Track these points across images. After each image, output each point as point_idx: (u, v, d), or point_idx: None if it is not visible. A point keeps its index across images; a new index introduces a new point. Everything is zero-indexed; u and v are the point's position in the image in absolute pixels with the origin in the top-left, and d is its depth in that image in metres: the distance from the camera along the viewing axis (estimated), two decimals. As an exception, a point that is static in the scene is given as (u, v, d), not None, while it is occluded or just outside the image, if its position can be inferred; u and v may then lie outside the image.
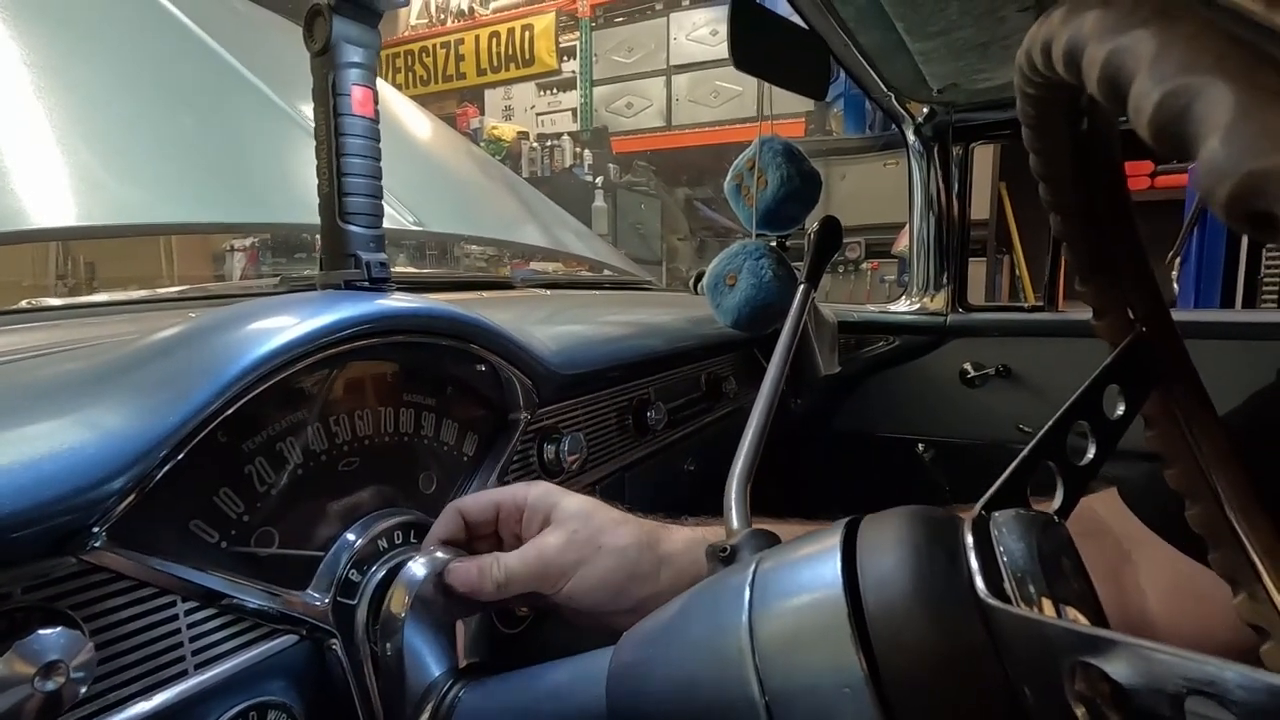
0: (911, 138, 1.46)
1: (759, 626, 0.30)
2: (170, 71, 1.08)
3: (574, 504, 0.47)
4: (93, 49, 1.01)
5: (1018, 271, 3.18)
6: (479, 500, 0.49)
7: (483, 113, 5.25)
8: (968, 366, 1.47)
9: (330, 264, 0.47)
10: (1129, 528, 0.48)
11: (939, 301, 1.51)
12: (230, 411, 0.37)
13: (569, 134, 4.85)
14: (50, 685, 0.28)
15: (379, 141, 0.48)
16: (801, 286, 0.50)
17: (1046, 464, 0.33)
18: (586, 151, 4.68)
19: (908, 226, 1.57)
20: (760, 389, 0.48)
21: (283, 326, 0.39)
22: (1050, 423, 0.33)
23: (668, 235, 4.71)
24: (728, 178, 0.84)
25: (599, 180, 4.38)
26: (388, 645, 0.46)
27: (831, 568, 0.29)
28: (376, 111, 0.48)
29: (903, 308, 1.54)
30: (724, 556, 0.39)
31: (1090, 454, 0.34)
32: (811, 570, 0.30)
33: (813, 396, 1.36)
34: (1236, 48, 0.15)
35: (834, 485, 1.57)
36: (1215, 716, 0.18)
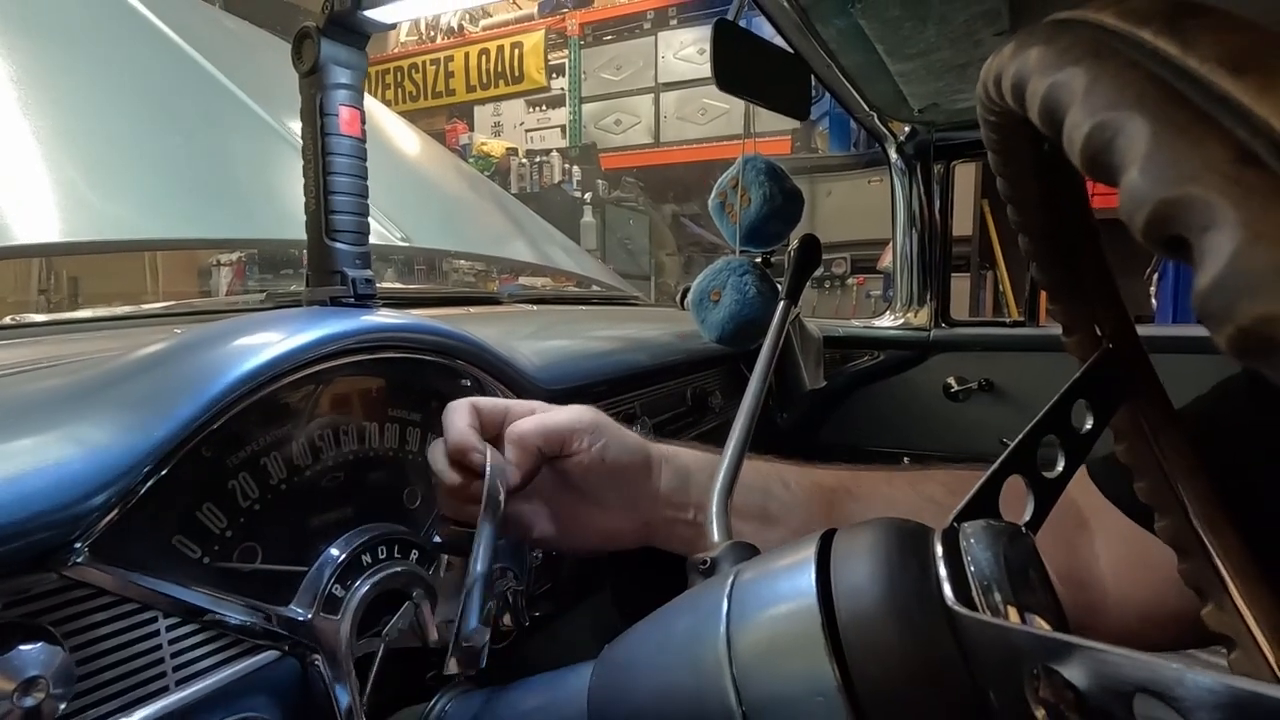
0: (894, 156, 1.49)
1: (736, 637, 0.31)
2: (158, 87, 1.09)
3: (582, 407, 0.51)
4: (80, 64, 1.02)
5: (1001, 287, 3.22)
6: (493, 400, 0.51)
7: (472, 129, 5.28)
8: (951, 381, 1.48)
9: (316, 280, 0.48)
10: (1089, 498, 0.50)
11: (923, 317, 1.54)
12: (215, 427, 0.37)
13: (558, 150, 4.88)
14: (29, 701, 0.28)
15: (365, 160, 0.49)
16: (782, 303, 0.51)
17: (1017, 478, 0.34)
18: (575, 168, 4.71)
19: (891, 243, 1.59)
20: (741, 403, 0.49)
21: (267, 343, 0.39)
22: (1020, 436, 0.34)
23: (656, 251, 4.74)
24: (712, 195, 0.86)
25: (587, 196, 4.40)
26: (371, 660, 0.46)
27: (806, 578, 0.30)
28: (363, 131, 0.48)
29: (887, 323, 1.56)
30: (704, 569, 0.40)
31: (1060, 467, 0.35)
32: (787, 581, 0.31)
33: (798, 410, 1.38)
34: (1155, 85, 0.17)
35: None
36: (1161, 716, 0.18)
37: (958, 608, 0.26)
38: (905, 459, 1.53)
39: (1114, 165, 0.17)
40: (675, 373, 0.95)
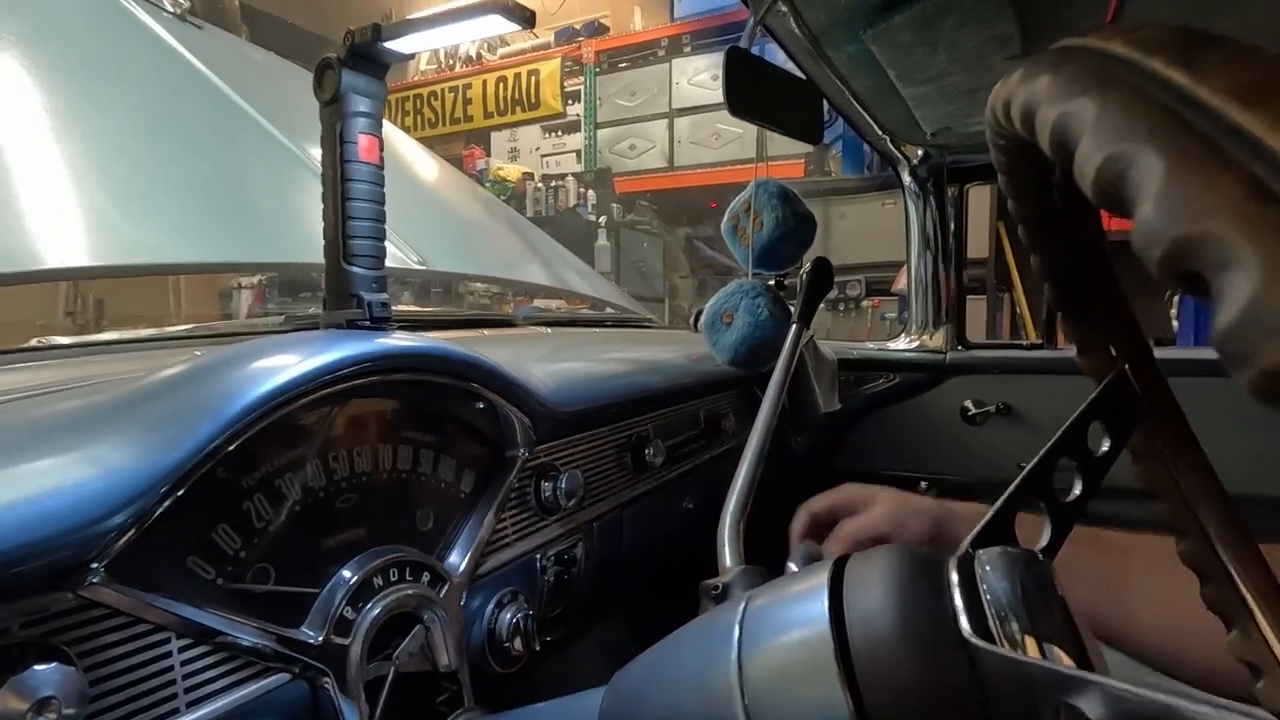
0: (907, 179, 1.49)
1: (748, 664, 0.30)
2: (186, 116, 1.12)
3: (889, 492, 0.63)
4: (112, 95, 1.05)
5: (1018, 309, 3.19)
6: (819, 499, 0.63)
7: (489, 154, 5.36)
8: (968, 404, 1.47)
9: (334, 304, 0.48)
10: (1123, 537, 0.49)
11: (938, 339, 1.52)
12: (231, 448, 0.38)
13: (573, 175, 4.94)
14: (42, 721, 0.29)
15: (383, 187, 0.50)
16: (794, 326, 0.51)
17: (1035, 502, 0.34)
18: (590, 192, 4.76)
19: (906, 265, 1.59)
20: (753, 427, 0.49)
21: (284, 365, 0.40)
22: (1036, 460, 0.33)
23: (669, 274, 4.76)
24: (725, 219, 0.86)
25: (602, 220, 4.44)
26: (382, 683, 0.46)
27: (819, 605, 0.30)
28: (381, 158, 0.49)
29: (902, 345, 1.55)
30: (716, 594, 0.39)
31: (1077, 490, 0.35)
32: (800, 608, 0.31)
33: (813, 434, 1.37)
34: (1166, 117, 0.17)
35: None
36: None
37: (974, 640, 0.25)
38: (921, 483, 1.51)
39: (1127, 199, 0.17)
40: (688, 395, 0.95)
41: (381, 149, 0.49)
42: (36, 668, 0.29)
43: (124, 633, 0.34)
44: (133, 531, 0.33)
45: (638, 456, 0.79)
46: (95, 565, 0.32)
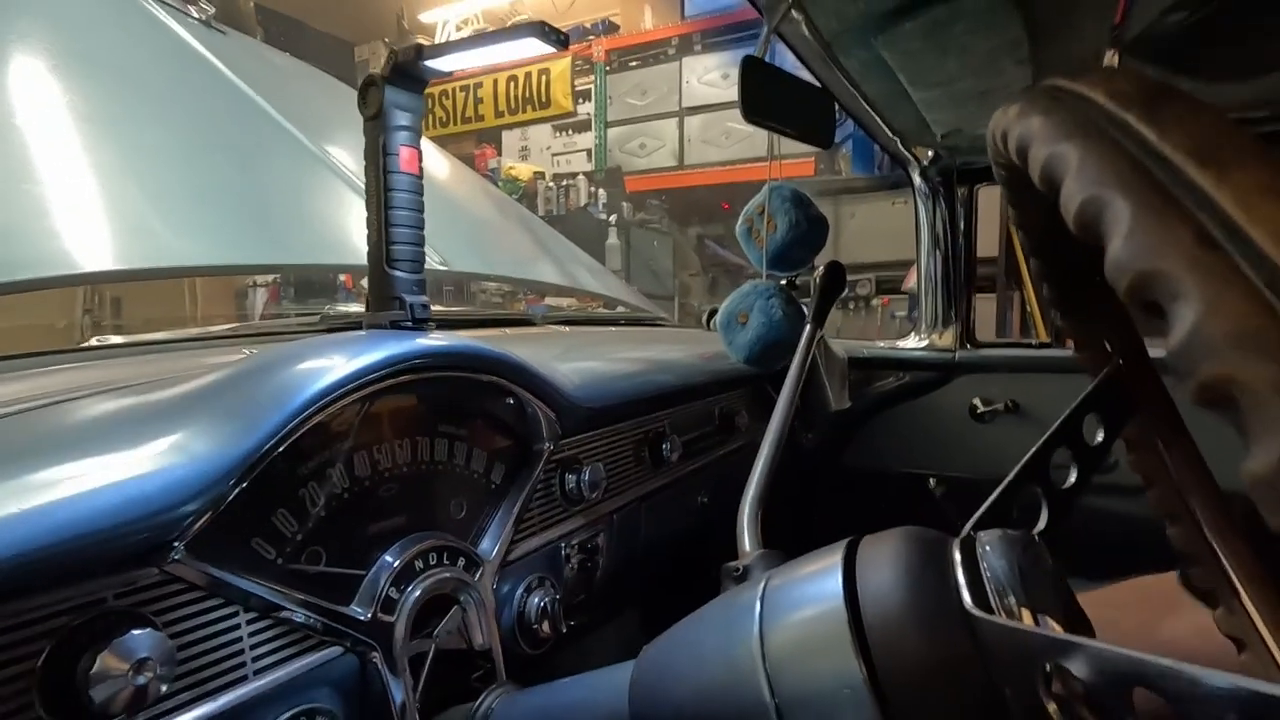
0: (918, 180, 1.51)
1: (769, 638, 0.33)
2: (210, 119, 1.15)
3: None
4: (139, 99, 1.09)
5: (1028, 308, 3.19)
6: None
7: (500, 153, 5.40)
8: (977, 402, 1.49)
9: (377, 305, 0.52)
10: None
11: (948, 338, 1.54)
12: (292, 439, 0.41)
13: (584, 174, 4.97)
14: (141, 680, 0.32)
15: (422, 195, 0.53)
16: (808, 327, 0.54)
17: (1033, 489, 0.37)
18: (601, 191, 4.79)
19: (916, 265, 1.61)
20: (770, 422, 0.52)
21: (340, 363, 0.43)
22: (1034, 449, 0.36)
23: (679, 272, 4.78)
24: (739, 222, 0.89)
25: (613, 218, 4.47)
26: (423, 660, 0.49)
27: (834, 583, 0.33)
28: (421, 169, 0.53)
29: (912, 344, 1.57)
30: (737, 575, 0.43)
31: (1073, 478, 0.38)
32: (816, 586, 0.34)
33: (824, 431, 1.39)
34: (1134, 169, 0.20)
35: (846, 519, 1.59)
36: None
37: (975, 611, 0.28)
38: (930, 480, 1.53)
39: (1101, 234, 0.20)
40: (703, 393, 0.98)
41: (421, 160, 0.53)
42: (134, 632, 0.32)
43: (201, 605, 0.38)
44: (209, 514, 0.37)
45: (655, 451, 0.83)
46: (177, 544, 0.36)
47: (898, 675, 0.29)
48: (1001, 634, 0.27)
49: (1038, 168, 0.23)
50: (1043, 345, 1.50)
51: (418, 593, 0.49)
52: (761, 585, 0.36)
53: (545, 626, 0.61)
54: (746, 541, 0.45)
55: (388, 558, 0.50)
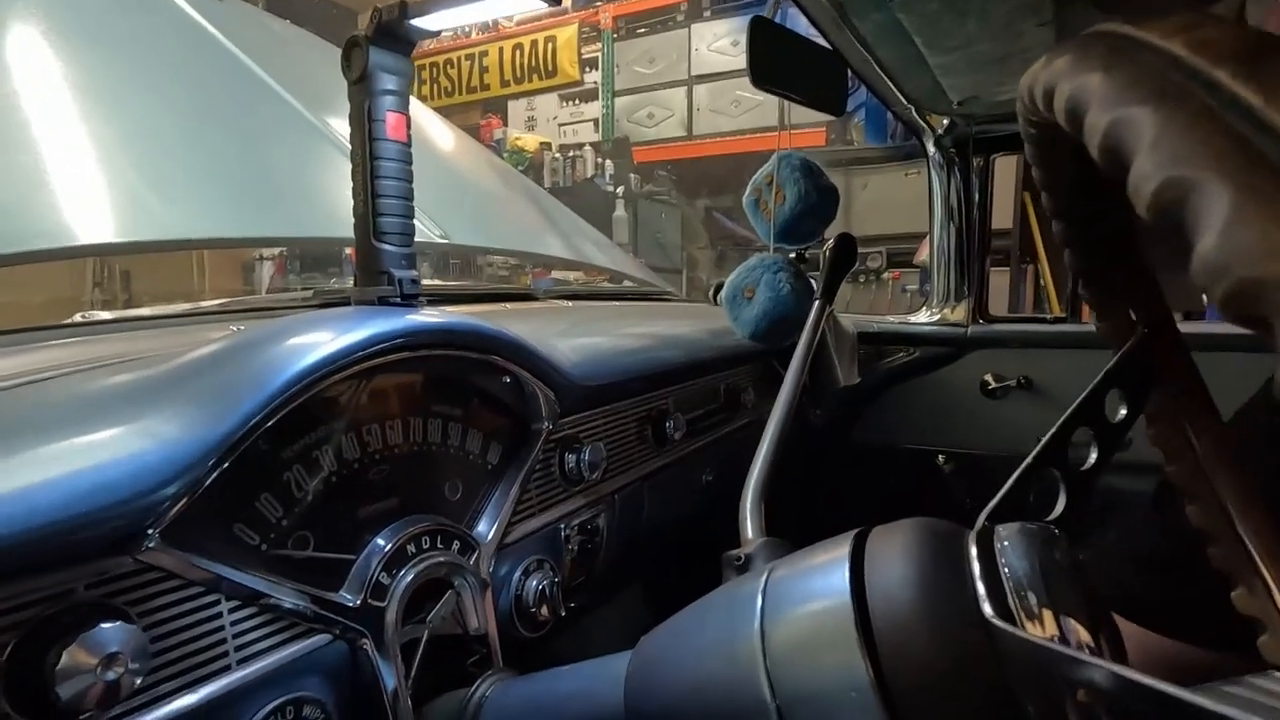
0: (932, 149, 1.47)
1: (770, 633, 0.31)
2: (208, 89, 1.12)
3: None
4: (136, 69, 1.06)
5: (1042, 282, 3.14)
6: None
7: (506, 124, 5.32)
8: (988, 378, 1.46)
9: (365, 280, 0.50)
10: None
11: (959, 313, 1.51)
12: (273, 421, 0.39)
13: (590, 144, 4.89)
14: (111, 675, 0.31)
15: (411, 164, 0.51)
16: (816, 302, 0.51)
17: (1050, 471, 0.34)
18: (608, 162, 4.72)
19: (928, 237, 1.57)
20: (776, 401, 0.49)
21: (323, 341, 0.41)
22: (1053, 430, 0.34)
23: (687, 245, 4.73)
24: (746, 192, 0.86)
25: (620, 190, 4.41)
26: (416, 646, 0.48)
27: (840, 577, 0.31)
28: (409, 136, 0.50)
29: (923, 319, 1.54)
30: (739, 565, 0.41)
31: (1092, 459, 0.35)
32: (821, 579, 0.32)
33: (832, 408, 1.37)
34: (1234, 145, 0.16)
35: (853, 497, 1.57)
36: None
37: (995, 621, 0.26)
38: (939, 457, 1.52)
39: (1187, 226, 0.16)
40: (708, 369, 0.96)
41: (409, 127, 0.50)
42: (103, 626, 0.31)
43: (178, 594, 0.36)
44: (185, 500, 0.35)
45: (658, 430, 0.81)
46: (151, 531, 0.34)
47: (907, 678, 0.27)
48: (1022, 647, 0.25)
49: (1097, 138, 0.18)
50: (1058, 320, 1.47)
51: (410, 577, 0.48)
52: (764, 577, 0.34)
53: (544, 610, 0.59)
54: (749, 528, 0.43)
55: (379, 541, 0.48)
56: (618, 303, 1.27)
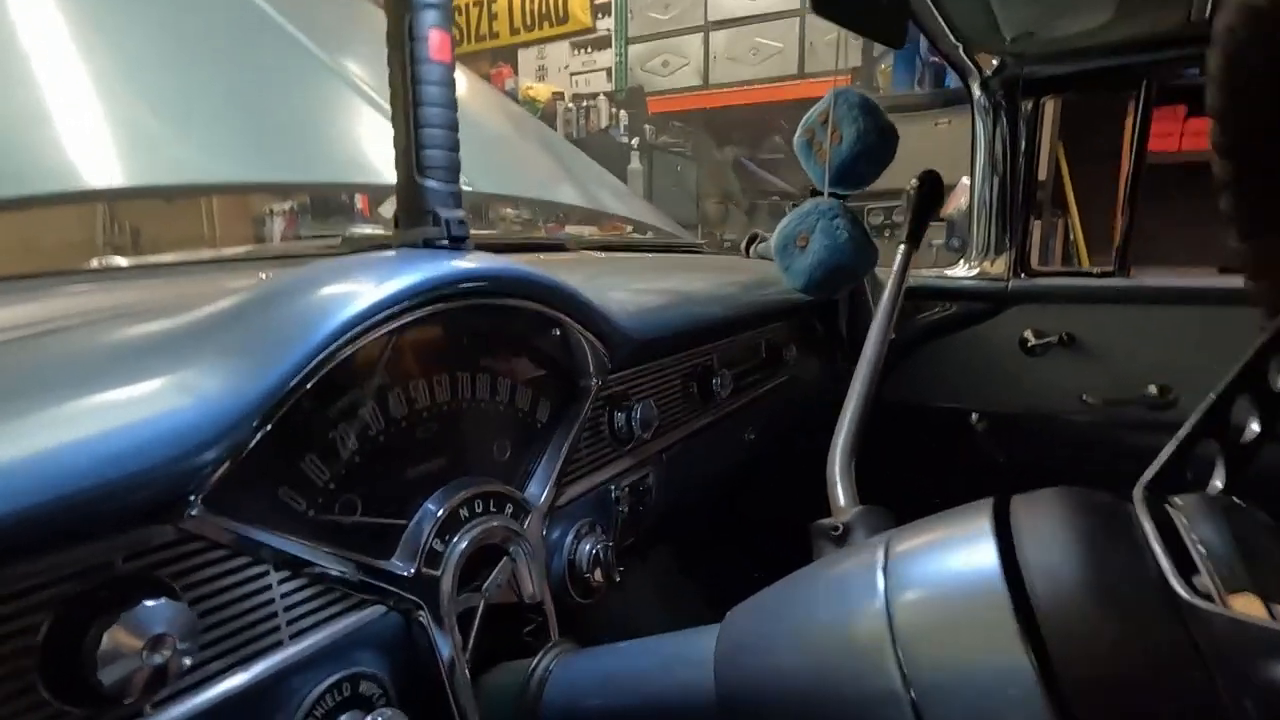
0: (977, 92, 1.38)
1: (900, 615, 0.28)
2: (222, 30, 1.06)
3: None
4: (142, 6, 0.99)
5: (1073, 236, 3.04)
6: None
7: (517, 73, 5.16)
8: (1028, 335, 1.41)
9: (407, 221, 0.45)
10: None
11: (999, 266, 1.45)
12: (319, 375, 0.35)
13: (604, 94, 4.74)
14: (158, 658, 0.27)
15: (455, 90, 0.45)
16: (902, 247, 0.47)
17: (1209, 443, 0.30)
18: (623, 112, 4.57)
19: (969, 187, 1.50)
20: (861, 356, 0.45)
21: (372, 287, 0.37)
22: (1211, 398, 0.29)
23: (703, 199, 4.61)
24: (798, 133, 0.80)
25: (635, 142, 4.28)
26: (471, 616, 0.45)
27: (985, 554, 0.27)
28: (454, 58, 0.45)
29: (961, 272, 1.48)
30: (835, 535, 0.37)
31: (1254, 430, 0.31)
32: (959, 555, 0.28)
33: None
34: None
35: (882, 456, 1.54)
36: None
37: (1194, 599, 0.22)
38: (973, 415, 1.47)
39: None
40: (749, 324, 0.91)
41: (454, 48, 0.45)
42: (147, 603, 0.28)
43: (224, 565, 0.33)
44: (228, 462, 0.31)
45: (704, 386, 0.77)
46: (193, 498, 0.31)
47: (1082, 674, 0.23)
48: (1232, 631, 0.21)
49: None
50: (1105, 274, 1.40)
51: (464, 544, 0.44)
52: (880, 552, 0.30)
53: (597, 574, 0.56)
54: (840, 494, 0.39)
55: (430, 506, 0.44)
56: (649, 255, 1.22)
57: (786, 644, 0.31)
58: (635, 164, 4.15)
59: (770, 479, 1.07)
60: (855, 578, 0.30)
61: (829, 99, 0.77)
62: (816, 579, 0.33)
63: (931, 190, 0.47)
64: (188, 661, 0.29)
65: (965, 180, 1.85)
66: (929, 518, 0.31)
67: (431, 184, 0.44)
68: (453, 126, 0.45)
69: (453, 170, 0.45)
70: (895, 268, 0.45)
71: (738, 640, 0.34)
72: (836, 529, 0.36)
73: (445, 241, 0.44)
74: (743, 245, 1.33)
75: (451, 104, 0.45)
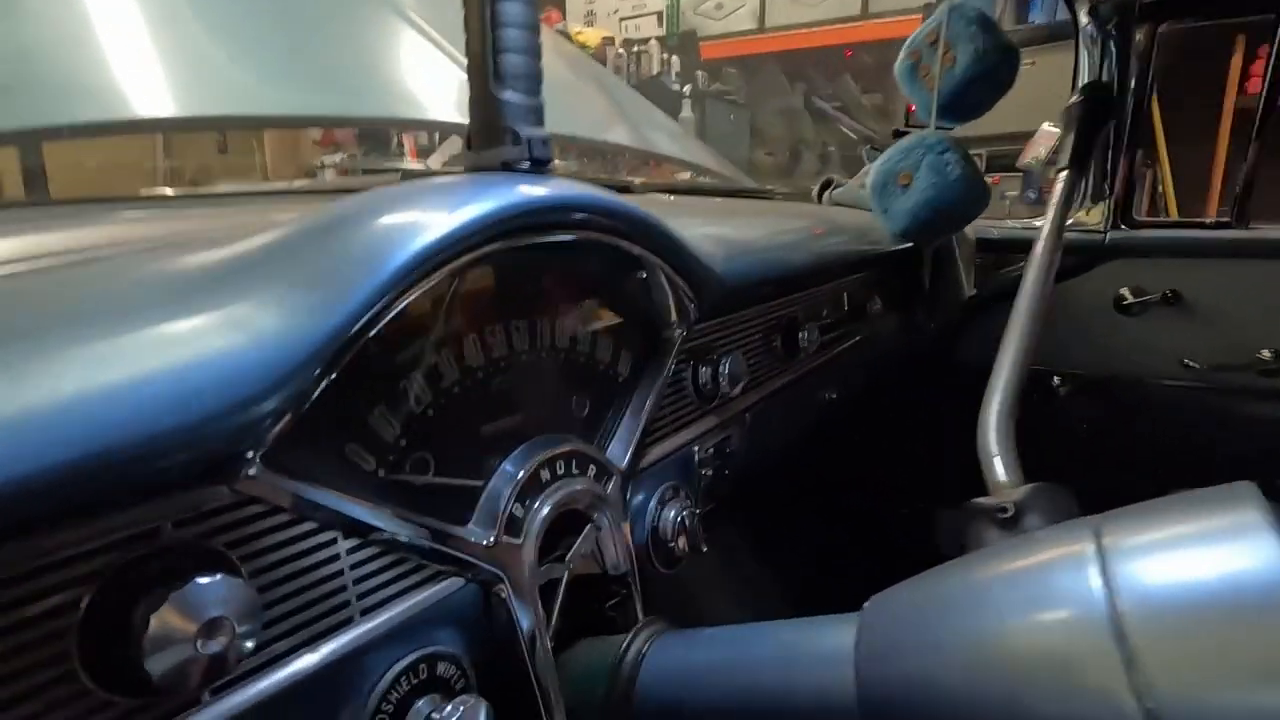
0: (1084, 20, 1.23)
1: (1133, 627, 0.21)
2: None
3: None
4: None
5: (1160, 186, 2.81)
6: None
7: (564, 17, 5.00)
8: (1125, 292, 1.29)
9: (482, 141, 0.39)
10: None
11: (1095, 215, 1.32)
12: (389, 315, 0.30)
13: (656, 39, 4.56)
14: (215, 647, 0.23)
15: (536, -14, 0.39)
16: (1063, 174, 0.39)
17: None
18: (674, 58, 4.40)
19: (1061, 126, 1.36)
20: (1014, 312, 0.38)
21: (444, 216, 0.31)
22: None
23: (755, 150, 4.43)
24: (901, 57, 0.71)
25: (687, 89, 4.12)
26: (554, 589, 0.41)
27: (1250, 555, 0.20)
28: (534, -53, 0.38)
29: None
30: (1004, 518, 0.30)
31: None
32: (1211, 556, 0.21)
33: (940, 322, 1.23)
34: None
35: (958, 421, 1.45)
36: None
37: None
38: (1054, 379, 1.37)
39: None
40: (833, 274, 0.83)
41: (535, -67, 0.38)
42: (199, 580, 0.23)
43: (287, 533, 0.28)
44: (289, 414, 0.26)
45: (790, 340, 0.70)
46: (251, 454, 0.26)
47: None
48: None
49: None
50: (1219, 225, 1.26)
51: (546, 509, 0.40)
52: (1093, 546, 0.24)
53: (681, 542, 0.51)
54: (999, 469, 0.33)
55: (508, 467, 0.40)
56: (718, 198, 1.14)
57: (962, 654, 0.25)
58: (687, 112, 4.00)
59: (850, 441, 1.01)
60: (1061, 575, 0.24)
61: (941, 13, 0.67)
62: (986, 569, 0.26)
63: (1100, 104, 0.39)
64: (249, 645, 0.25)
65: (1046, 126, 1.70)
66: (1148, 503, 0.25)
67: (511, 96, 0.38)
68: (534, 27, 0.38)
69: (534, 80, 0.39)
70: (1055, 200, 0.37)
71: (889, 638, 0.28)
72: (1005, 510, 0.30)
73: (526, 164, 0.38)
74: (814, 191, 1.24)
75: (532, 2, 0.38)
